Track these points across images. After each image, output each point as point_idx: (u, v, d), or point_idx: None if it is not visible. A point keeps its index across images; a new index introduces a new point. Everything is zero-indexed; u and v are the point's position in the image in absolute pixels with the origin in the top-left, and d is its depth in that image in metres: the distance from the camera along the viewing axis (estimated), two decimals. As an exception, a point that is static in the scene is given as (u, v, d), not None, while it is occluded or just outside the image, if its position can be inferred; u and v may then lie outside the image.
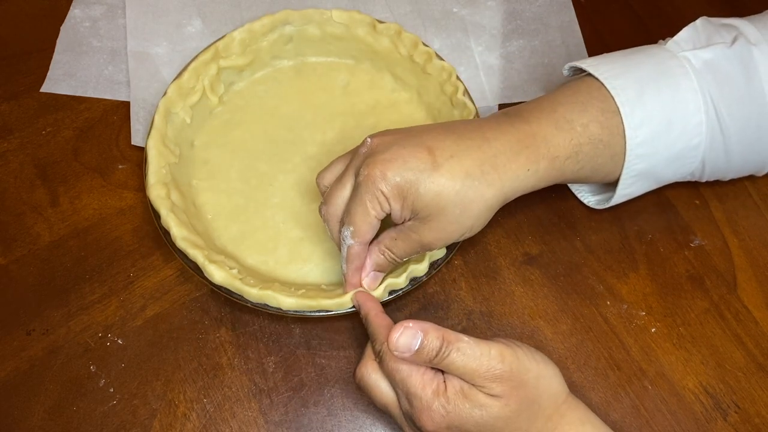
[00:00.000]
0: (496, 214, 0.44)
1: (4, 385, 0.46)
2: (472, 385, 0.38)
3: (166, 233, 0.48)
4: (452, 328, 0.49)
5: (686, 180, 0.49)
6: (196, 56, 0.55)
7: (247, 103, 0.57)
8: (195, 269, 0.47)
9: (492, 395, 0.38)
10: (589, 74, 0.46)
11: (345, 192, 0.43)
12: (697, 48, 0.45)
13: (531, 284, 0.51)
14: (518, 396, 0.38)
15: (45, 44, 0.61)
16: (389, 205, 0.41)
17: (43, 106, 0.58)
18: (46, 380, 0.47)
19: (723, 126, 0.45)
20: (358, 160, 0.43)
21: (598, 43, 0.63)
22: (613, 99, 0.44)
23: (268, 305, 0.46)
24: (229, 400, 0.46)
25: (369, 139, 0.43)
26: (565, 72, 0.50)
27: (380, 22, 0.57)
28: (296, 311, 0.46)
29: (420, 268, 0.47)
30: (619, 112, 0.44)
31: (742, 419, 0.47)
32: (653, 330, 0.49)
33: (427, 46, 0.56)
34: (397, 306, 0.50)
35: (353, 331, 0.49)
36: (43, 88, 0.59)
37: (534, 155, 0.43)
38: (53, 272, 0.51)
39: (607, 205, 0.50)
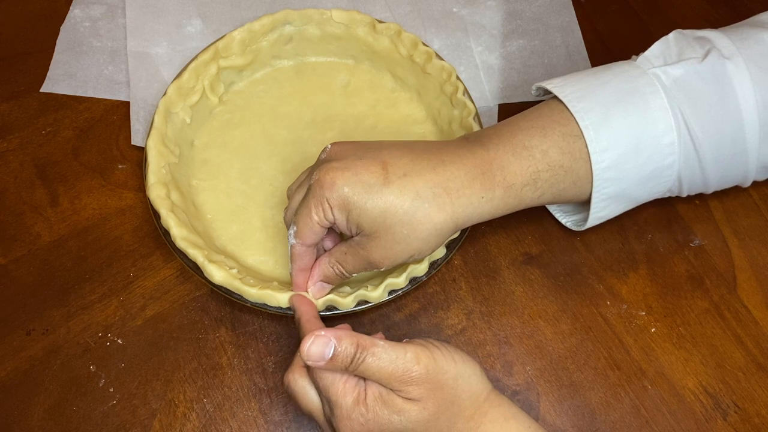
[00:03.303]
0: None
1: (4, 385, 0.46)
2: (390, 389, 0.37)
3: (166, 233, 0.48)
4: (452, 327, 0.49)
5: (666, 197, 0.48)
6: (196, 56, 0.55)
7: (247, 103, 0.57)
8: (195, 269, 0.47)
9: (409, 399, 0.37)
10: (555, 96, 0.44)
11: (301, 195, 0.43)
12: (668, 64, 0.44)
13: (531, 284, 0.51)
14: (436, 398, 0.38)
15: (45, 44, 0.61)
16: (332, 214, 0.41)
17: (43, 106, 0.58)
18: (46, 380, 0.47)
19: (696, 144, 0.43)
20: (317, 165, 0.43)
21: (598, 43, 0.63)
22: (577, 122, 0.43)
23: (267, 305, 0.46)
24: (229, 400, 0.46)
25: (329, 146, 0.43)
26: (533, 92, 0.48)
27: (380, 22, 0.57)
28: (296, 311, 0.46)
29: (420, 268, 0.47)
30: (582, 135, 0.42)
31: (741, 419, 0.47)
32: (653, 330, 0.49)
33: (427, 46, 0.56)
34: (397, 306, 0.50)
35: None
36: (43, 88, 0.59)
37: (489, 182, 0.42)
38: (53, 272, 0.51)
39: (584, 227, 0.48)
